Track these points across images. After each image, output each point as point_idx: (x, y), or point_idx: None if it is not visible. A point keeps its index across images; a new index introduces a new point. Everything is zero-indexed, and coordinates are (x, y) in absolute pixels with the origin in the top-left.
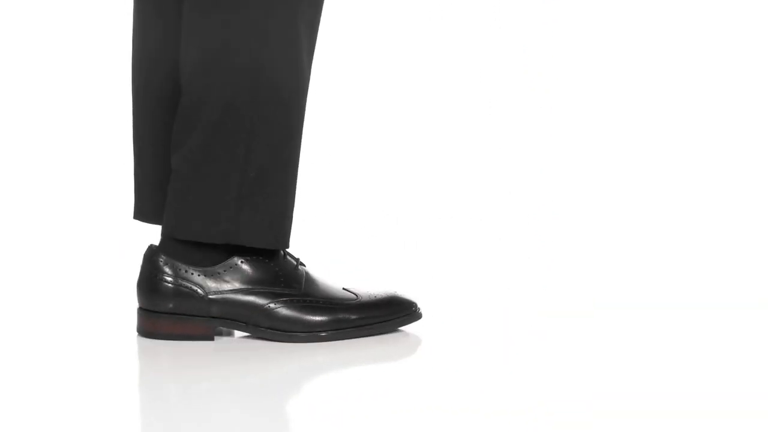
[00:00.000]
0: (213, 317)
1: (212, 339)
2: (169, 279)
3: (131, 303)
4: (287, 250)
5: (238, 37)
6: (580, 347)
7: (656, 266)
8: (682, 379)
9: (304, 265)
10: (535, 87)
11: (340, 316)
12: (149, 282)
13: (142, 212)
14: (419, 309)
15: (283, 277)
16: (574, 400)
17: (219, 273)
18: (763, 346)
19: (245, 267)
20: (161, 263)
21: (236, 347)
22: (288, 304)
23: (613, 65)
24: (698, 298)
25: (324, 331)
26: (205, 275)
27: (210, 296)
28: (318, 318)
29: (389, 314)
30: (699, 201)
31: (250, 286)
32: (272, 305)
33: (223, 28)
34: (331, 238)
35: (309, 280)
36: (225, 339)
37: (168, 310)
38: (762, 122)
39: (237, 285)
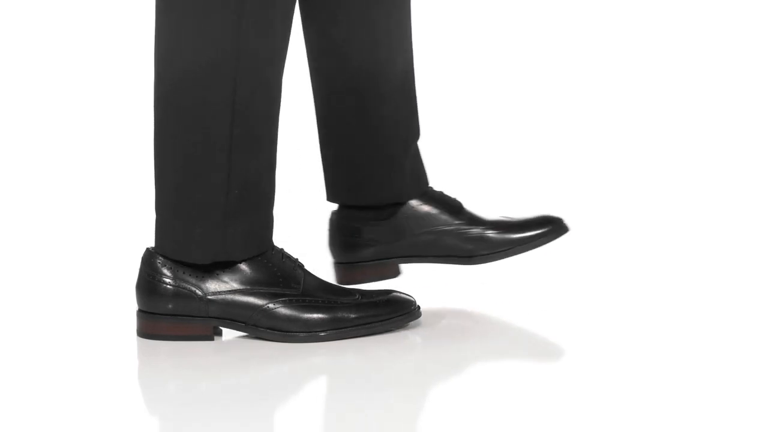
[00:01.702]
0: (212, 317)
1: (212, 339)
2: (167, 280)
3: (131, 304)
4: (285, 251)
5: (206, 48)
6: (580, 348)
7: (656, 267)
8: (681, 381)
9: (303, 265)
10: (535, 87)
11: (339, 315)
12: (148, 284)
13: None
14: (418, 307)
15: (282, 277)
16: (575, 401)
17: (217, 273)
18: (763, 346)
19: (243, 267)
20: (159, 265)
21: (236, 347)
22: (287, 304)
23: (613, 65)
24: (698, 299)
25: (323, 331)
26: (203, 276)
27: (209, 297)
28: (317, 317)
29: (389, 313)
30: (699, 201)
31: (248, 287)
32: (271, 305)
33: (191, 36)
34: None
35: (308, 279)
36: (225, 339)
37: (167, 312)
38: (762, 122)
39: (236, 285)
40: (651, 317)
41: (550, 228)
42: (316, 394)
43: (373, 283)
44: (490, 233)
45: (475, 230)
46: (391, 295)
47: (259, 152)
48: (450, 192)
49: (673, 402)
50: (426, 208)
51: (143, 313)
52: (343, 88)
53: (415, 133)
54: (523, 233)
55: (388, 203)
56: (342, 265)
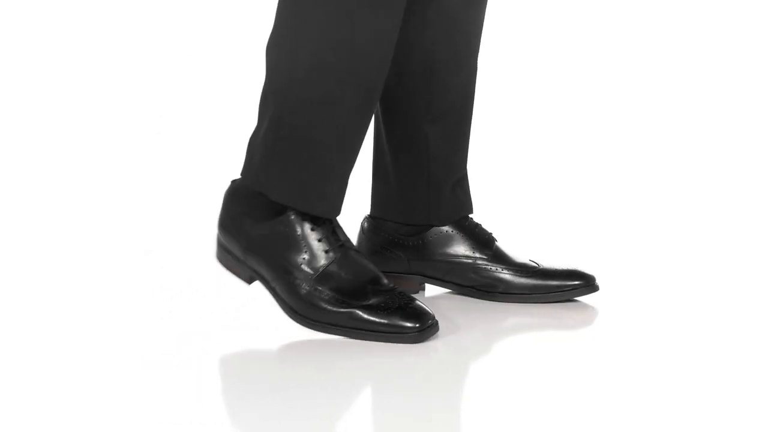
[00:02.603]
0: (249, 267)
1: (248, 284)
2: (226, 222)
3: (129, 305)
4: (337, 232)
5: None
6: (580, 352)
7: (656, 268)
8: (682, 385)
9: (340, 255)
10: (535, 87)
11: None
12: (223, 222)
13: None
14: (436, 322)
15: (308, 254)
16: (577, 403)
17: (265, 223)
18: (763, 347)
19: (284, 226)
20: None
21: (244, 345)
22: (289, 286)
23: (613, 65)
24: (698, 301)
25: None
26: (253, 225)
27: (246, 248)
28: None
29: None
30: (699, 203)
31: (276, 251)
32: (277, 281)
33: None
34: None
35: (333, 268)
36: (231, 336)
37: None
38: (762, 122)
39: (270, 244)
40: (652, 322)
41: (578, 284)
42: (319, 394)
43: None
44: (509, 275)
45: (496, 268)
46: (413, 304)
47: (316, 110)
48: (489, 227)
49: (675, 400)
50: (453, 235)
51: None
52: (397, 96)
53: (461, 161)
54: (543, 281)
55: (419, 224)
56: None
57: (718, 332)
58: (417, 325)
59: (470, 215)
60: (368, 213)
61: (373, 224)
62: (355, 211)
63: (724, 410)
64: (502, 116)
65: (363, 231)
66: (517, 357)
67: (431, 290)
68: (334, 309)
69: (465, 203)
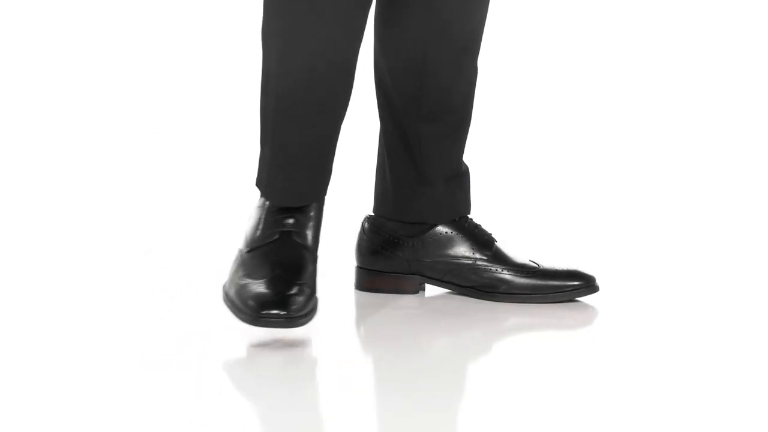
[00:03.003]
0: None
1: None
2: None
3: (131, 300)
4: (308, 222)
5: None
6: (580, 352)
7: (657, 268)
8: (681, 387)
9: (285, 242)
10: (535, 87)
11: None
12: None
13: None
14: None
15: (255, 234)
16: (577, 403)
17: None
18: (763, 347)
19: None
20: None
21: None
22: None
23: (612, 66)
24: (698, 302)
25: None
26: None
27: None
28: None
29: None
30: (698, 203)
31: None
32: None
33: None
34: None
35: (265, 251)
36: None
37: None
38: (762, 122)
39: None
40: (653, 323)
41: (579, 284)
42: (319, 393)
43: (391, 294)
44: (510, 275)
45: (496, 268)
46: (292, 297)
47: (262, 103)
48: (489, 227)
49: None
50: (452, 236)
51: None
52: (392, 96)
53: (457, 161)
54: (543, 282)
55: (413, 222)
56: (363, 270)
57: (717, 332)
58: (276, 312)
59: (470, 216)
60: (369, 213)
61: (373, 224)
62: (356, 211)
63: (724, 410)
64: (503, 116)
65: (363, 231)
66: (517, 357)
67: (431, 290)
68: (230, 287)
69: (462, 203)
